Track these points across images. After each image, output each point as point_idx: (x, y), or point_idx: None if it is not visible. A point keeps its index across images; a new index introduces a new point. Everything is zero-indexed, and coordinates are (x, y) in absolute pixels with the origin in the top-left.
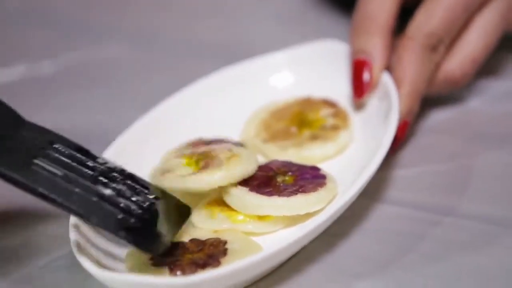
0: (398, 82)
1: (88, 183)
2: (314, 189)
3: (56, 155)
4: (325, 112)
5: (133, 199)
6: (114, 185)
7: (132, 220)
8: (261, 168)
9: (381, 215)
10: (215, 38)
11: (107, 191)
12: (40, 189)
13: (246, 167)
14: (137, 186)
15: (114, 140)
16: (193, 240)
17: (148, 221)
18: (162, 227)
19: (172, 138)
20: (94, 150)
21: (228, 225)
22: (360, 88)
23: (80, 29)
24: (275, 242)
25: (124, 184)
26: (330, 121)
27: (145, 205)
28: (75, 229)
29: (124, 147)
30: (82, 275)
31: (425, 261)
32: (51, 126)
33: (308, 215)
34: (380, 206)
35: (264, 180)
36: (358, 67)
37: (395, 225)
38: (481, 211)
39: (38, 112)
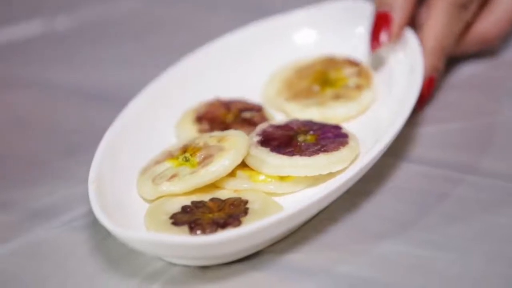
0: (424, 38)
1: None
2: (336, 148)
3: None
4: (348, 71)
5: None
6: None
7: None
8: (281, 127)
9: (404, 173)
10: None
11: None
12: None
13: (244, 140)
14: None
15: (131, 98)
16: (213, 199)
17: None
18: None
19: (191, 98)
20: (111, 109)
21: (249, 185)
22: (376, 39)
23: None
24: (296, 202)
25: None
26: (353, 80)
27: None
28: (95, 188)
29: (142, 105)
30: (101, 234)
31: (447, 221)
32: (68, 83)
33: (330, 175)
34: (403, 164)
35: (285, 140)
36: (378, 19)
37: (418, 184)
38: (505, 169)
39: (53, 68)
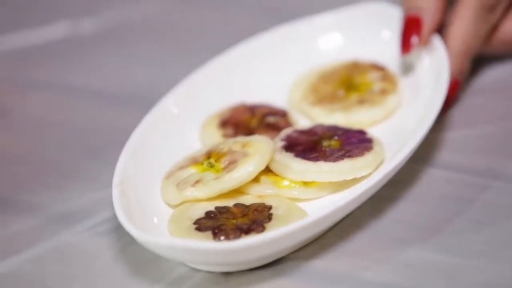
0: (450, 40)
1: None
2: (361, 153)
3: None
4: (373, 75)
5: None
6: None
7: None
8: (306, 132)
9: (429, 179)
10: None
11: None
12: None
13: (268, 145)
14: None
15: (154, 101)
16: (237, 205)
17: None
18: None
19: (215, 102)
20: (136, 112)
21: (273, 191)
22: (407, 43)
23: None
24: (320, 208)
25: None
26: (378, 85)
27: None
28: (119, 193)
29: (167, 109)
30: (125, 240)
31: (473, 227)
32: (92, 86)
33: (355, 181)
34: (428, 169)
35: (310, 145)
36: (408, 23)
37: (443, 189)
38: None
39: (79, 72)
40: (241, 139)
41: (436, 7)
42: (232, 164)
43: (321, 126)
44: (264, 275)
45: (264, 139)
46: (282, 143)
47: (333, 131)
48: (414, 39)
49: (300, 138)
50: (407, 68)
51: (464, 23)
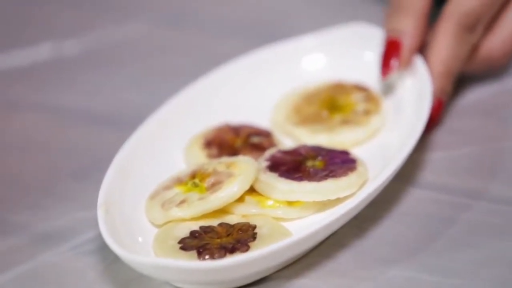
0: (432, 61)
1: None
2: (344, 173)
3: None
4: (356, 96)
5: None
6: None
7: None
8: (290, 153)
9: (412, 199)
10: (245, 18)
11: None
12: None
13: (253, 166)
14: None
15: (140, 121)
16: (222, 224)
17: None
18: None
19: (199, 122)
20: (120, 132)
21: (257, 210)
22: (386, 66)
23: (105, 7)
24: (304, 228)
25: None
26: (362, 106)
27: None
28: (103, 212)
29: (151, 130)
30: (110, 259)
31: (456, 246)
32: (77, 107)
33: (339, 200)
34: (411, 190)
35: (294, 165)
36: (388, 46)
37: (426, 209)
38: None
39: (64, 93)
40: (225, 159)
41: (415, 30)
42: (216, 184)
43: (305, 147)
44: None
45: (249, 159)
46: (266, 163)
47: (317, 151)
48: (394, 62)
49: (284, 158)
50: (390, 89)
51: (444, 44)
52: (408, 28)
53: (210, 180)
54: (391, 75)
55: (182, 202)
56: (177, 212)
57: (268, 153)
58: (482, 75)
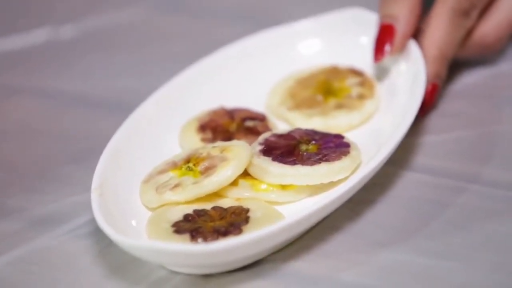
0: (426, 46)
1: None
2: (338, 157)
3: None
4: (351, 81)
5: None
6: None
7: None
8: (284, 136)
9: (406, 182)
10: (243, 4)
11: None
12: None
13: (246, 150)
14: None
15: (136, 105)
16: (215, 208)
17: None
18: None
19: (195, 107)
20: (117, 117)
21: (251, 194)
22: (379, 51)
23: None
24: (297, 211)
25: None
26: (356, 90)
27: None
28: (97, 195)
29: (146, 114)
30: (105, 242)
31: (449, 229)
32: (73, 92)
33: (332, 184)
34: (405, 173)
35: (287, 149)
36: (381, 31)
37: (420, 192)
38: (507, 178)
39: (59, 77)
40: (220, 144)
41: (409, 15)
42: (210, 168)
43: (299, 130)
44: (243, 277)
45: (243, 144)
46: (260, 147)
47: (311, 135)
48: (387, 47)
49: (278, 142)
50: (385, 74)
51: (439, 28)
52: (402, 13)
53: (204, 164)
54: (383, 59)
55: (176, 186)
56: (171, 196)
57: (262, 137)
58: (476, 60)
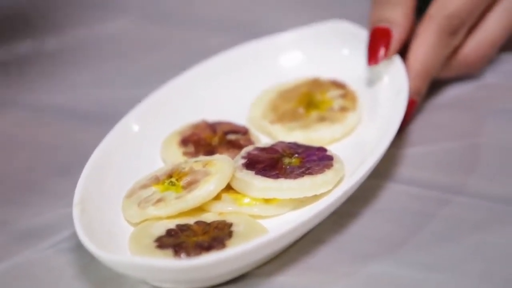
0: (410, 61)
1: None
2: (321, 171)
3: None
4: (333, 93)
5: None
6: None
7: None
8: (267, 150)
9: (390, 194)
10: (224, 15)
11: None
12: None
13: (229, 165)
14: None
15: (119, 118)
16: (198, 223)
17: None
18: None
19: (178, 119)
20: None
21: (234, 208)
22: (374, 55)
23: (87, 2)
24: (281, 225)
25: None
26: (338, 103)
27: None
28: (79, 211)
29: (128, 127)
30: (88, 257)
31: (435, 241)
32: (59, 103)
33: (316, 197)
34: (390, 185)
35: (270, 163)
36: (377, 34)
37: (405, 204)
38: (492, 190)
39: (43, 89)
40: (202, 158)
41: (405, 20)
42: (193, 183)
43: (282, 144)
44: None
45: (225, 158)
46: (243, 161)
47: (293, 148)
48: (382, 51)
49: (261, 156)
50: (366, 86)
51: (425, 44)
52: (398, 18)
53: (186, 179)
54: (378, 63)
55: (159, 200)
56: (153, 211)
57: (245, 150)
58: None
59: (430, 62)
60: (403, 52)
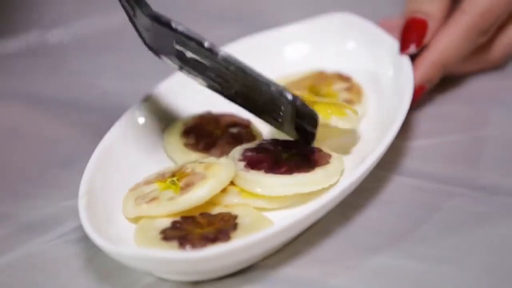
0: (430, 48)
1: None
2: (325, 161)
3: None
4: (338, 86)
5: None
6: None
7: None
8: (257, 149)
9: (396, 187)
10: (230, 7)
11: None
12: None
13: (227, 169)
14: None
15: (124, 110)
16: (203, 215)
17: None
18: None
19: (182, 111)
20: (106, 121)
21: (239, 200)
22: (407, 43)
23: None
24: (286, 217)
25: None
26: (343, 95)
27: None
28: (85, 203)
29: (134, 119)
30: (94, 249)
31: (440, 233)
32: (60, 96)
33: (321, 190)
34: (395, 177)
35: (274, 160)
36: (413, 24)
37: (410, 197)
38: (497, 182)
39: (47, 82)
40: (206, 160)
41: (441, 15)
42: (189, 185)
43: (265, 142)
44: (233, 283)
45: (227, 162)
46: (243, 163)
47: (280, 144)
48: (416, 41)
49: (257, 155)
50: (372, 79)
51: (450, 37)
52: (436, 12)
53: (185, 180)
54: (409, 53)
55: (153, 199)
56: (145, 209)
57: (238, 153)
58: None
59: (449, 54)
60: None
